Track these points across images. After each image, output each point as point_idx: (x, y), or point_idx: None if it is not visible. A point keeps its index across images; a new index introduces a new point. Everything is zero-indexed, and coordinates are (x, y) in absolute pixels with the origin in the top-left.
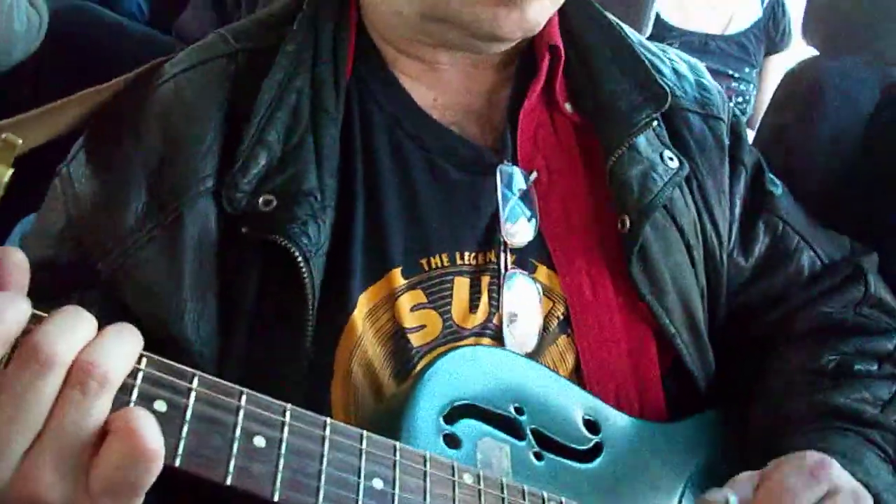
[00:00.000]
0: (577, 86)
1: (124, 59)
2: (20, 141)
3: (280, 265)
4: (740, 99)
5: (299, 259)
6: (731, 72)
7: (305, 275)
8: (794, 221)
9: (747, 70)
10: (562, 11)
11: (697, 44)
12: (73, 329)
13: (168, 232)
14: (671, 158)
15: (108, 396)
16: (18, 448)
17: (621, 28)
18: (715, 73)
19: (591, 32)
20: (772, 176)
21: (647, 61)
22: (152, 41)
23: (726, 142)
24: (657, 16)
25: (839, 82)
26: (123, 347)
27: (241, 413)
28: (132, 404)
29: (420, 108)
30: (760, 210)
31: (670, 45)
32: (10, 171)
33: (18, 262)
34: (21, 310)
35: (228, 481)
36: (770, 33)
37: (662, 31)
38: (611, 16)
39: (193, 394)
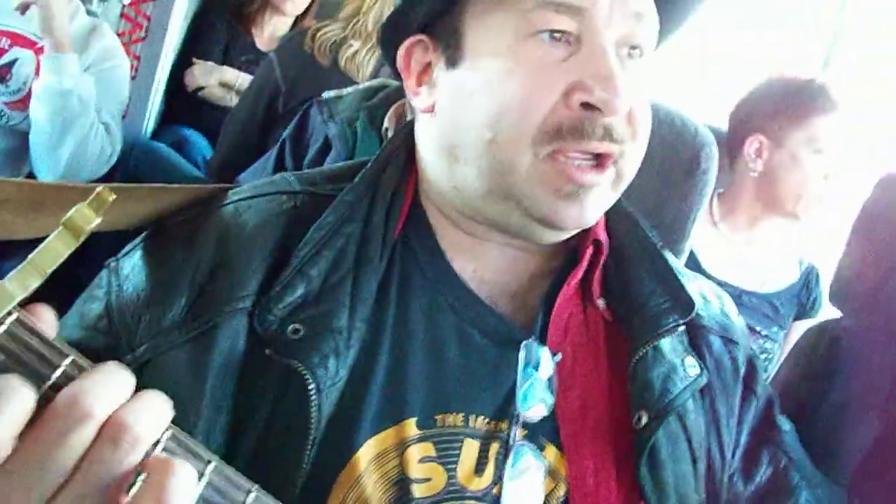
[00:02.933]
0: (611, 284)
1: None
2: (112, 197)
3: (294, 392)
4: (764, 356)
5: (311, 388)
6: (759, 328)
7: (314, 404)
8: (798, 461)
9: (775, 329)
10: (606, 215)
11: (731, 296)
12: (112, 386)
13: (200, 341)
14: (692, 366)
15: (137, 456)
16: (44, 492)
17: (657, 242)
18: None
19: (630, 238)
20: (781, 413)
21: (678, 275)
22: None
23: (742, 368)
24: (695, 261)
25: (858, 349)
26: (156, 413)
27: None
28: None
29: (458, 278)
30: (767, 441)
31: None
32: (98, 220)
33: (48, 319)
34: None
35: None
36: (802, 299)
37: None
38: (650, 232)
39: (206, 479)
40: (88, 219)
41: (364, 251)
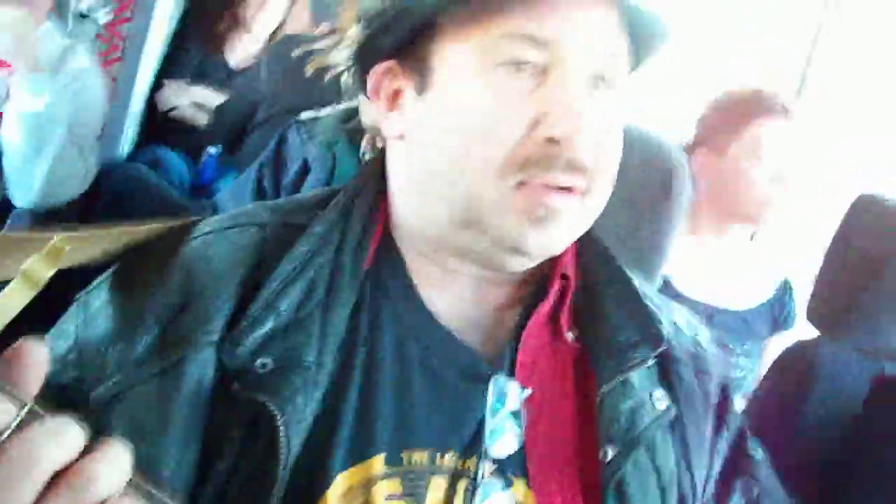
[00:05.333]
0: (581, 316)
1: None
2: (68, 247)
3: (263, 428)
4: (740, 373)
5: (279, 424)
6: (732, 346)
7: (282, 441)
8: (770, 489)
9: (747, 346)
10: (576, 246)
11: (703, 315)
12: (65, 435)
13: (168, 375)
14: (660, 399)
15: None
16: None
17: (628, 274)
18: (717, 345)
19: (601, 270)
20: (753, 442)
21: (648, 308)
22: (188, 212)
23: (713, 399)
24: (667, 281)
25: (832, 368)
26: (119, 462)
27: None
28: None
29: (427, 311)
30: (739, 471)
31: None
32: (53, 271)
33: (38, 359)
34: (7, 413)
35: None
36: (775, 314)
37: (671, 297)
38: (620, 262)
39: None
40: (44, 270)
41: (334, 283)
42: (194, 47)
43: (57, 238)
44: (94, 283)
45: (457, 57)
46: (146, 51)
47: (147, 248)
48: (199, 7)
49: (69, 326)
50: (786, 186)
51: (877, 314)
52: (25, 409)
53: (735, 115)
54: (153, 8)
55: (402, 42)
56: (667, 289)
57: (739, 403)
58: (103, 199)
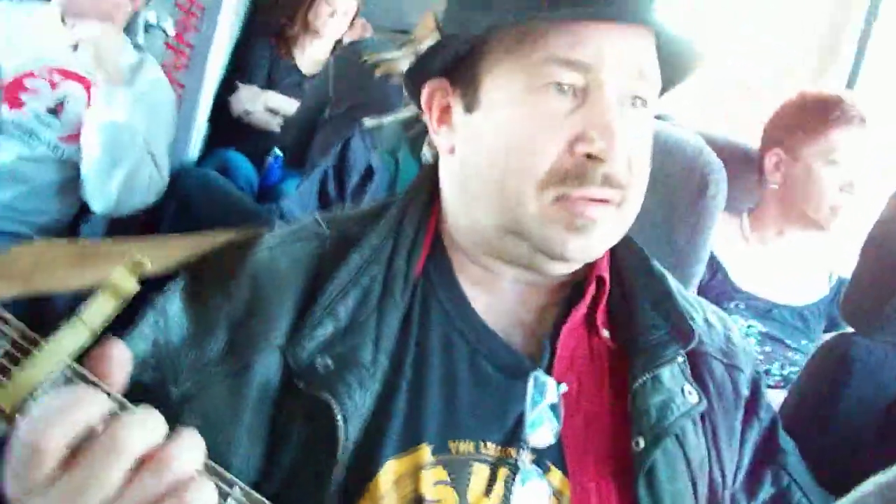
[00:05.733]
0: (616, 314)
1: (229, 226)
2: (149, 265)
3: (323, 422)
4: (794, 368)
5: (339, 418)
6: (788, 341)
7: (341, 432)
8: (801, 481)
9: (804, 342)
10: (613, 250)
11: (762, 309)
12: (150, 425)
13: (238, 377)
14: (690, 393)
15: (173, 484)
16: None
17: (663, 274)
18: (774, 339)
19: (635, 272)
20: (783, 434)
21: (680, 306)
22: (256, 216)
23: (744, 392)
24: (727, 276)
25: (867, 363)
26: (194, 448)
27: None
28: None
29: (474, 311)
30: (770, 462)
31: (737, 305)
32: (136, 287)
33: (123, 358)
34: (102, 404)
35: None
36: (831, 312)
37: (731, 292)
38: (656, 263)
39: (231, 499)
40: (128, 284)
41: (387, 290)
42: (265, 52)
43: (137, 253)
44: (168, 288)
45: (503, 78)
46: (212, 58)
47: (217, 258)
48: (268, 13)
49: (147, 329)
50: (857, 195)
51: None
52: (114, 402)
53: (813, 119)
54: (218, 16)
55: (453, 62)
56: (726, 284)
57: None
58: (172, 204)
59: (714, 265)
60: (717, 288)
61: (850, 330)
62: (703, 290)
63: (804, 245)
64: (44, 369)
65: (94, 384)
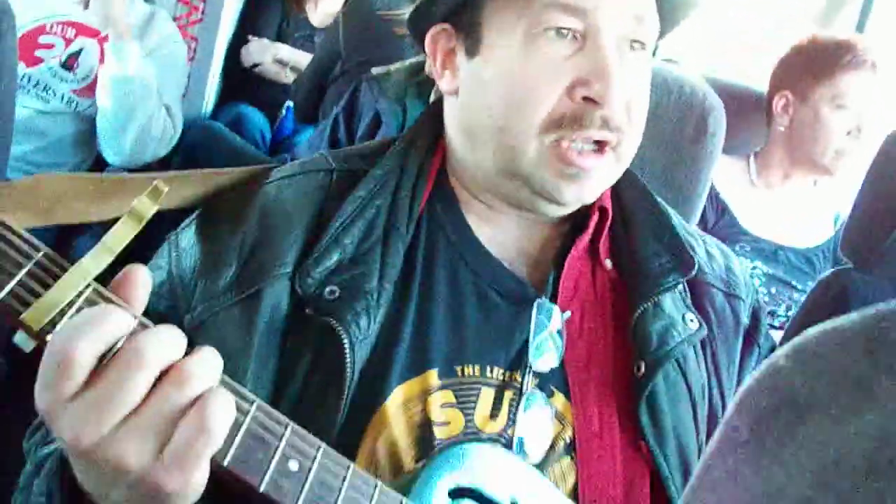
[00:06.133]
0: (617, 246)
1: None
2: (166, 189)
3: (331, 346)
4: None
5: (345, 343)
6: (794, 283)
7: (348, 357)
8: None
9: (810, 284)
10: (616, 183)
11: (768, 251)
12: (168, 341)
13: (248, 303)
14: (692, 320)
15: (192, 396)
16: (112, 420)
17: (665, 208)
18: (779, 281)
19: (637, 204)
20: None
21: (681, 237)
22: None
23: (744, 321)
24: (733, 219)
25: (864, 297)
26: (211, 364)
27: (285, 440)
28: None
29: (479, 243)
30: None
31: (742, 247)
32: (155, 209)
33: (144, 281)
34: (126, 321)
35: (261, 489)
36: (837, 253)
37: (737, 235)
38: (658, 198)
39: (250, 415)
40: (148, 208)
41: (392, 220)
42: (276, 4)
43: (158, 180)
44: (184, 223)
45: (503, 24)
46: (225, 12)
47: (228, 193)
48: None
49: (162, 262)
50: (864, 139)
51: None
52: (137, 320)
53: (823, 63)
54: None
55: (455, 7)
56: (732, 226)
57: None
58: (180, 155)
59: (720, 207)
60: (724, 230)
61: (850, 265)
62: (709, 233)
63: (810, 188)
64: (69, 290)
65: (117, 304)
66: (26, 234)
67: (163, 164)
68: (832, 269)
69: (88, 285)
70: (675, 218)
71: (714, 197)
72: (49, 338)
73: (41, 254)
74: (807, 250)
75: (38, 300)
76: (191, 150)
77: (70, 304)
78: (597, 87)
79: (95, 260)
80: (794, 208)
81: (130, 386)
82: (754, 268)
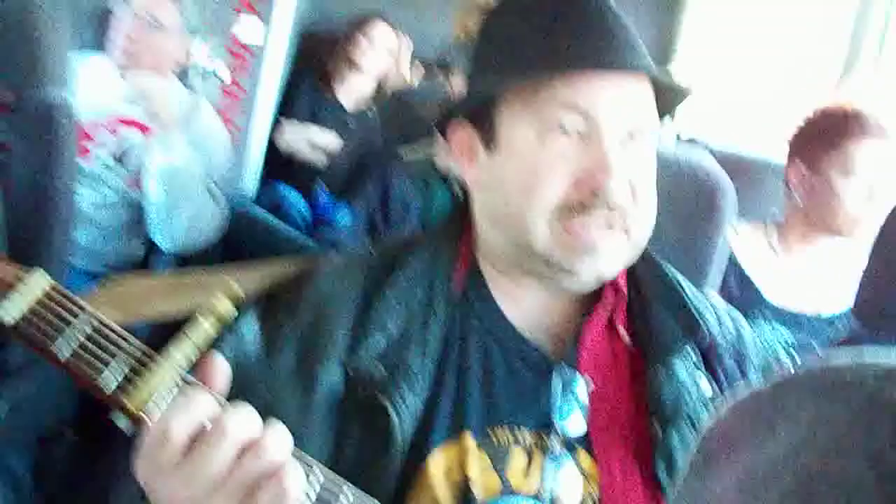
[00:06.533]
0: (632, 316)
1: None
2: (242, 294)
3: (380, 419)
4: None
5: (394, 418)
6: (819, 350)
7: (396, 430)
8: None
9: None
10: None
11: (791, 320)
12: (248, 419)
13: (306, 385)
14: (704, 385)
15: (271, 466)
16: (203, 488)
17: (676, 280)
18: (804, 348)
19: (650, 280)
20: None
21: (691, 306)
22: (304, 252)
23: (753, 380)
24: (752, 286)
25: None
26: (284, 438)
27: (347, 501)
28: None
29: (507, 320)
30: None
31: (766, 317)
32: (234, 310)
33: (222, 369)
34: (212, 403)
35: None
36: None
37: (759, 305)
38: (671, 269)
39: (319, 481)
40: (227, 308)
41: (430, 306)
42: (308, 88)
43: (229, 281)
44: (242, 313)
45: (516, 122)
46: (263, 98)
47: (283, 285)
48: (311, 51)
49: (227, 350)
50: (879, 203)
51: None
52: (221, 403)
53: (830, 132)
54: (264, 58)
55: (475, 108)
56: (755, 298)
57: None
58: (227, 243)
59: (742, 280)
60: (747, 302)
61: (862, 332)
62: (732, 305)
63: (832, 253)
64: (163, 379)
65: (203, 390)
66: (119, 329)
67: (205, 250)
68: (847, 335)
69: (178, 374)
70: (687, 287)
71: (736, 270)
72: (145, 418)
73: (134, 346)
74: (831, 316)
75: (137, 388)
76: (232, 235)
77: (162, 391)
78: (599, 178)
79: (183, 353)
80: (816, 275)
81: (218, 459)
82: (779, 335)
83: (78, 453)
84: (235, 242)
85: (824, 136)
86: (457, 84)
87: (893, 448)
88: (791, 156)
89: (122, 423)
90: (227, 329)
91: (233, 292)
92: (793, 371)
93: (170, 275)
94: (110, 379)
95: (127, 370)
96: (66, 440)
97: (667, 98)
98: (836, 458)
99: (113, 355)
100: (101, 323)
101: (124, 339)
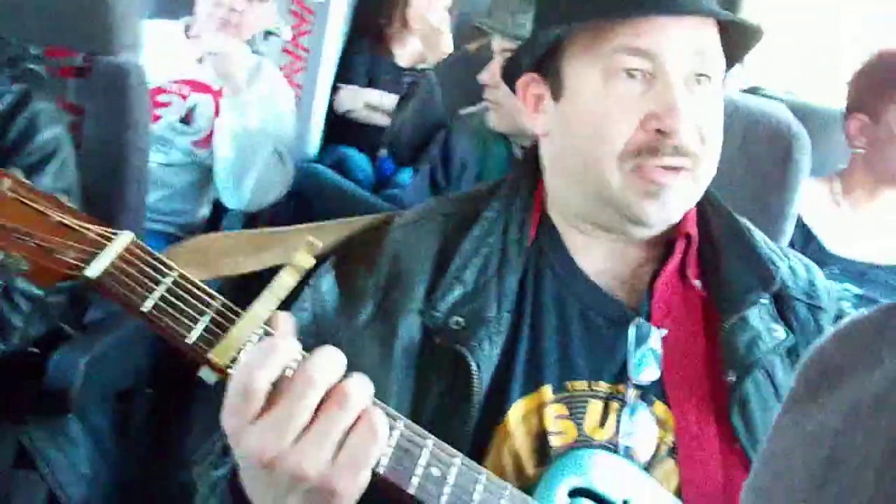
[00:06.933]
0: (705, 266)
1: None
2: (321, 244)
3: (461, 370)
4: None
5: (473, 367)
6: (881, 300)
7: (476, 379)
8: None
9: None
10: (701, 209)
11: (857, 272)
12: (332, 364)
13: (385, 335)
14: (776, 330)
15: (355, 414)
16: (290, 436)
17: (747, 228)
18: (870, 300)
19: (722, 228)
20: None
21: (763, 255)
22: (371, 208)
23: (826, 329)
24: (819, 243)
25: None
26: (366, 385)
27: (428, 451)
28: None
29: (581, 270)
30: None
31: (831, 270)
32: (313, 262)
33: (291, 323)
34: (294, 349)
35: (410, 490)
36: None
37: (823, 258)
38: (740, 219)
39: (399, 430)
40: (307, 261)
41: (505, 257)
42: (364, 50)
43: (309, 236)
44: (321, 270)
45: (581, 69)
46: (324, 59)
47: (358, 241)
48: (367, 13)
49: (306, 304)
50: None
51: None
52: (302, 353)
53: (890, 80)
54: (327, 19)
55: (540, 58)
56: (819, 251)
57: None
58: (291, 198)
59: (806, 234)
60: (811, 256)
61: None
62: None
63: (894, 204)
64: (247, 331)
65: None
66: (203, 285)
67: (275, 207)
68: None
69: (260, 326)
70: (759, 237)
71: (799, 223)
72: (230, 371)
73: (219, 302)
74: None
75: (222, 341)
76: (301, 192)
77: (246, 343)
78: (667, 121)
79: (265, 305)
80: (882, 225)
81: (303, 405)
82: (845, 290)
83: (156, 409)
84: (304, 201)
85: (883, 84)
86: (497, 45)
87: None
88: (850, 106)
89: (211, 378)
90: (307, 284)
91: (312, 247)
92: None
93: (248, 232)
94: (196, 332)
95: (211, 324)
96: (145, 396)
97: (735, 43)
98: None
99: (198, 310)
100: (184, 278)
101: (208, 294)
